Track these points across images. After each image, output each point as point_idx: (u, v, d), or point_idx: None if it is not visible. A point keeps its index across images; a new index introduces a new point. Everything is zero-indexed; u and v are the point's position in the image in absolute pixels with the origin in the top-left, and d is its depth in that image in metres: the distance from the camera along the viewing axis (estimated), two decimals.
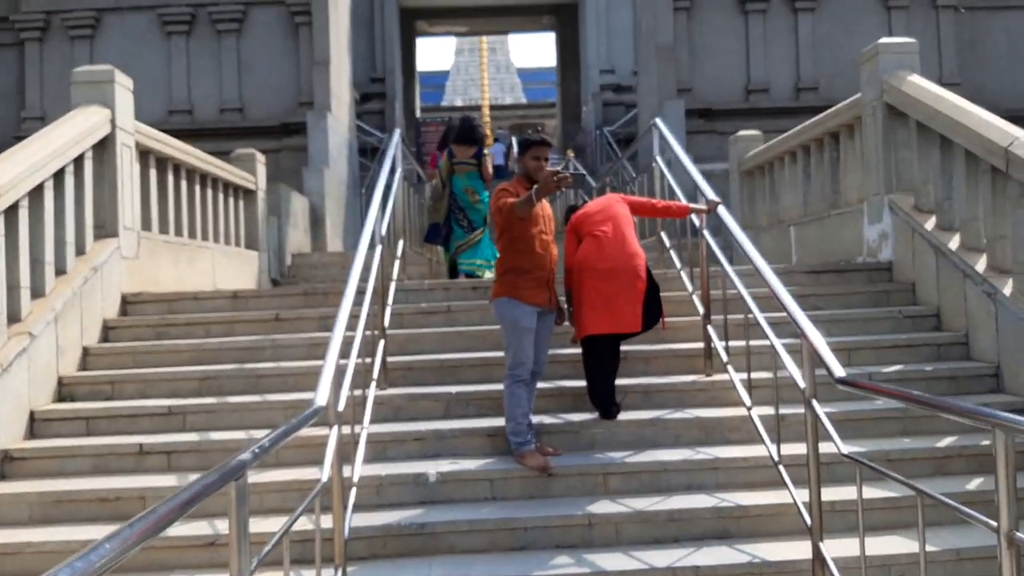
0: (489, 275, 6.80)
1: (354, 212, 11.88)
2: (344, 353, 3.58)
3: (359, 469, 3.82)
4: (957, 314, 5.08)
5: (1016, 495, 2.32)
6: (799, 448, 3.75)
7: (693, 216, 5.08)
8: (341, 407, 3.39)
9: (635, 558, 3.51)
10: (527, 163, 4.22)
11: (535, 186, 3.97)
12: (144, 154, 6.14)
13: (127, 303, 5.71)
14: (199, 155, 6.85)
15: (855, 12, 11.51)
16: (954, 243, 5.16)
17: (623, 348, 4.61)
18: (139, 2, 11.37)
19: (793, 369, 3.76)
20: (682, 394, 4.64)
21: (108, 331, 5.42)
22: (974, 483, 3.92)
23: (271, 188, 8.76)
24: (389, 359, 4.83)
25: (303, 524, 2.90)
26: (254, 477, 2.27)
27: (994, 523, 2.34)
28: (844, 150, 6.64)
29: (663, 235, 6.62)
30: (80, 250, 5.33)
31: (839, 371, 3.21)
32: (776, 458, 3.84)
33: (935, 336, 5.13)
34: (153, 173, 6.27)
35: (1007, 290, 4.60)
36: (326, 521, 3.14)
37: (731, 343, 4.62)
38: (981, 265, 4.88)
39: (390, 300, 5.21)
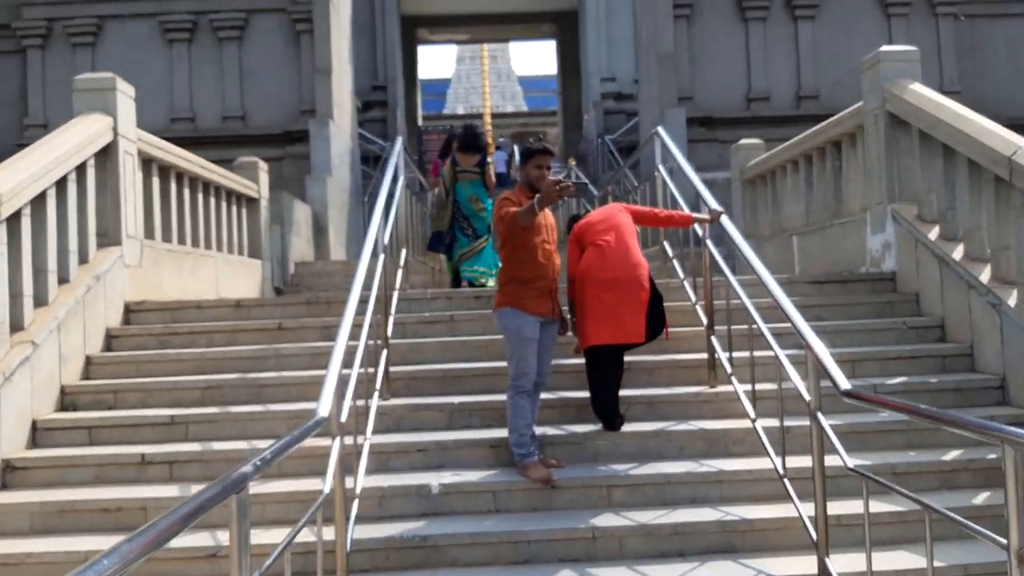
0: (492, 283, 6.80)
1: (357, 220, 11.87)
2: (347, 363, 3.57)
3: (361, 480, 3.80)
4: (962, 325, 5.06)
5: None
6: (804, 461, 3.73)
7: (696, 225, 5.08)
8: (344, 418, 3.38)
9: (639, 572, 3.48)
10: (529, 172, 4.21)
11: (537, 195, 3.96)
12: (147, 162, 6.14)
13: (130, 312, 5.70)
14: (201, 163, 6.85)
15: (855, 20, 11.52)
16: (958, 253, 5.14)
17: (627, 358, 4.59)
18: (141, 9, 11.38)
19: (798, 381, 3.75)
20: (686, 405, 4.62)
21: (111, 340, 5.41)
22: (981, 497, 3.90)
23: (274, 196, 8.76)
24: (392, 369, 4.82)
25: (305, 536, 2.88)
26: (256, 488, 2.25)
27: (1004, 540, 2.32)
28: (846, 159, 6.63)
29: (666, 244, 6.61)
30: (83, 258, 5.32)
31: (845, 384, 3.19)
32: (781, 471, 3.82)
33: (940, 347, 5.11)
34: (156, 181, 6.27)
35: (1012, 301, 4.59)
36: (328, 533, 3.12)
37: (735, 354, 4.60)
38: (985, 276, 4.86)
39: (393, 309, 5.19)
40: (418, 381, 4.91)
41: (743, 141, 8.62)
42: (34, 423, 4.50)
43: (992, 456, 4.04)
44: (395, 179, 6.01)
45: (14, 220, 4.53)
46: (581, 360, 4.52)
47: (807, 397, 3.50)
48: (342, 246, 11.12)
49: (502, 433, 4.19)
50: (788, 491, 3.71)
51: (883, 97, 5.85)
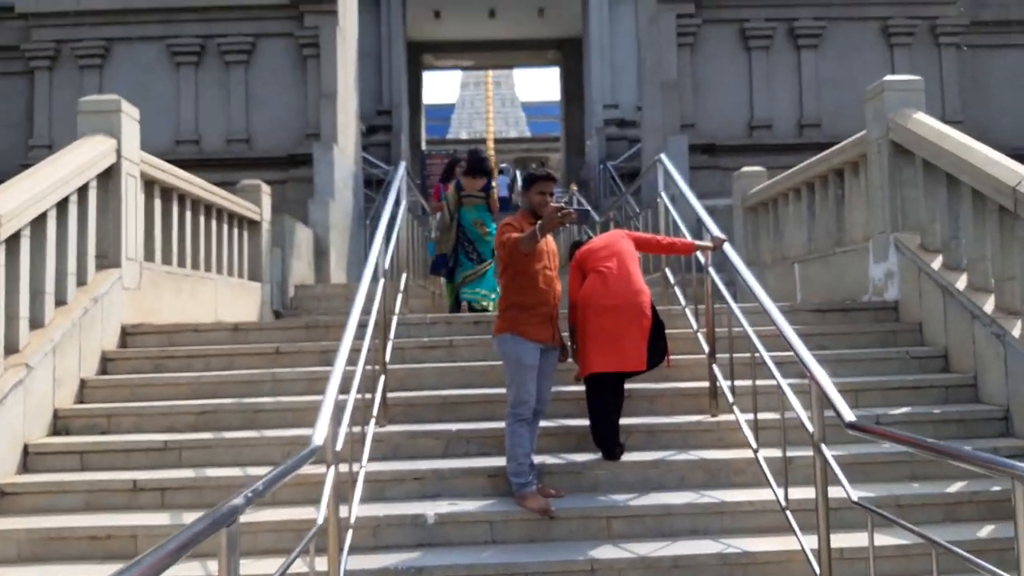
0: (492, 307, 6.77)
1: (358, 244, 11.88)
2: (344, 388, 3.52)
3: (356, 510, 3.73)
4: (965, 355, 5.01)
5: None
6: (806, 492, 3.68)
7: (698, 252, 5.04)
8: (339, 446, 3.32)
9: None
10: (532, 198, 4.19)
11: (539, 222, 3.94)
12: (149, 184, 6.14)
13: (127, 334, 5.66)
14: (204, 185, 6.85)
15: (858, 50, 11.59)
16: (961, 283, 5.10)
17: (627, 386, 4.54)
18: (149, 32, 11.48)
19: (801, 412, 3.69)
20: (687, 435, 4.56)
21: (107, 363, 5.36)
22: (986, 531, 3.83)
23: (276, 219, 8.76)
24: (389, 394, 4.76)
25: (298, 567, 2.81)
26: (248, 516, 2.20)
27: None
28: (849, 187, 6.62)
29: (667, 271, 6.58)
30: (81, 280, 5.29)
31: (849, 415, 3.14)
32: (783, 503, 3.75)
33: (943, 378, 5.06)
34: (158, 203, 6.27)
35: (1016, 332, 4.54)
36: (321, 564, 3.06)
37: (737, 382, 4.55)
38: (989, 306, 4.82)
39: (392, 334, 5.15)
40: (415, 407, 4.86)
41: (745, 169, 8.63)
42: (26, 447, 4.45)
43: (996, 488, 3.98)
44: (397, 203, 6.00)
45: (13, 241, 4.52)
46: (581, 388, 4.46)
47: (810, 428, 3.44)
48: (343, 269, 11.11)
49: (500, 462, 4.13)
50: (791, 523, 3.65)
51: (887, 126, 5.84)
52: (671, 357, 4.59)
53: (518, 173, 21.79)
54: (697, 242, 4.91)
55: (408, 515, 3.87)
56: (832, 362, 4.63)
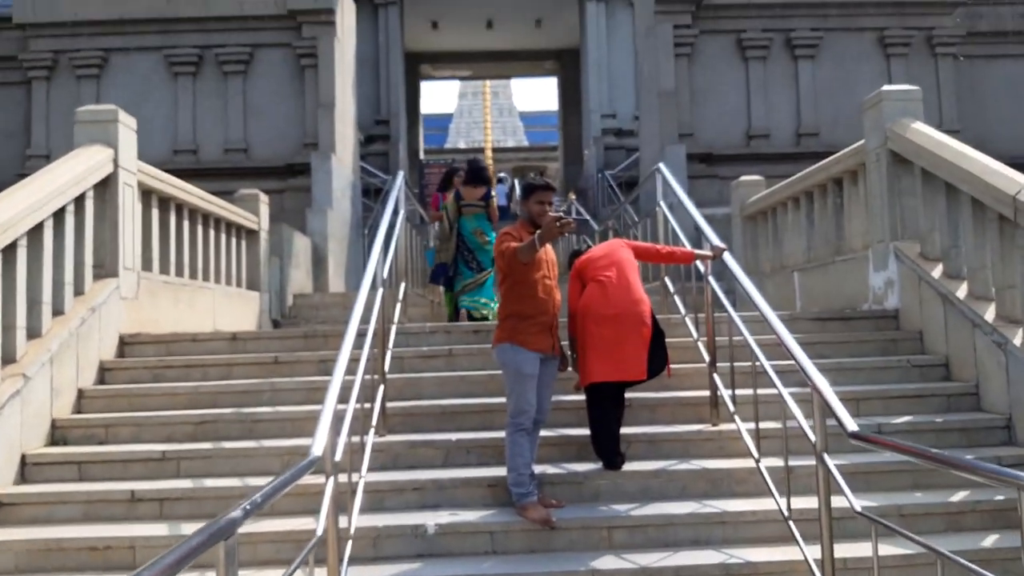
0: (492, 315, 6.76)
1: (356, 253, 11.86)
2: (343, 398, 3.50)
3: (355, 520, 3.70)
4: (966, 364, 5.00)
5: None
6: (808, 502, 3.66)
7: (698, 262, 5.04)
8: (338, 457, 3.30)
9: None
10: (531, 207, 4.18)
11: (538, 231, 3.92)
12: (146, 193, 6.12)
13: (125, 344, 5.64)
14: (202, 195, 6.84)
15: (854, 60, 11.63)
16: (962, 292, 5.10)
17: (628, 395, 4.52)
18: (146, 43, 11.49)
19: (803, 421, 3.68)
20: (688, 444, 4.54)
21: (104, 373, 5.34)
22: (990, 540, 3.81)
23: (274, 228, 8.75)
24: (388, 404, 4.74)
25: None
26: (246, 527, 2.17)
27: None
28: (848, 196, 6.62)
29: (667, 280, 6.57)
30: (79, 290, 5.27)
31: (852, 425, 3.12)
32: (786, 513, 3.73)
33: (944, 386, 5.04)
34: (155, 213, 6.25)
35: (1018, 340, 4.53)
36: (320, 574, 3.03)
37: (737, 391, 4.53)
38: (990, 314, 4.81)
39: (391, 343, 5.13)
40: (415, 417, 4.83)
41: (744, 178, 8.64)
42: (23, 457, 4.42)
43: (1000, 498, 3.97)
44: (395, 212, 5.99)
45: (9, 251, 4.51)
46: (581, 397, 4.45)
47: (812, 438, 3.43)
48: (341, 278, 11.09)
49: (500, 472, 4.10)
50: (793, 533, 3.63)
51: (885, 136, 5.85)
52: (671, 366, 4.57)
53: (516, 182, 21.83)
54: (697, 251, 4.91)
55: (408, 525, 3.85)
56: (832, 371, 4.60)
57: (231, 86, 11.50)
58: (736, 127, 11.60)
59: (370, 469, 4.14)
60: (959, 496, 4.07)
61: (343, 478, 3.48)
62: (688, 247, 5.37)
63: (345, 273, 11.31)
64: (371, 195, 13.59)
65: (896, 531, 2.87)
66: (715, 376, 4.71)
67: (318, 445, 3.02)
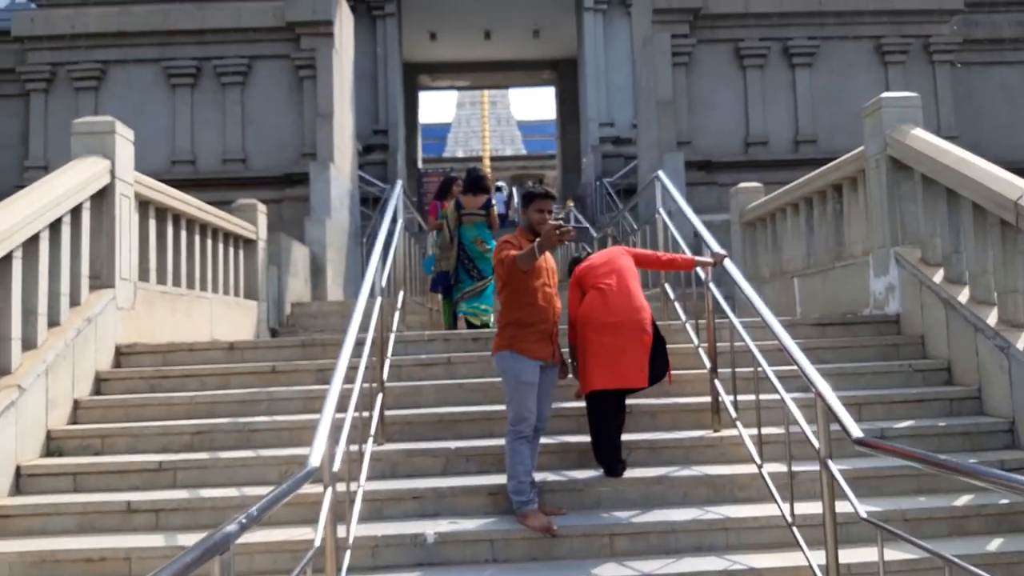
0: (493, 322, 6.74)
1: (355, 261, 11.85)
2: (341, 406, 3.47)
3: (354, 529, 3.66)
4: (969, 368, 4.97)
5: None
6: (811, 507, 3.63)
7: (698, 268, 5.01)
8: (336, 467, 3.26)
9: None
10: (531, 215, 4.16)
11: (538, 239, 3.90)
12: (144, 204, 6.11)
13: (121, 354, 5.60)
14: (199, 205, 6.82)
15: (852, 67, 11.65)
16: (963, 296, 5.07)
17: (628, 402, 4.49)
18: (145, 55, 11.51)
19: (806, 427, 3.64)
20: (689, 450, 4.50)
21: (100, 383, 5.30)
22: (994, 544, 3.78)
23: (272, 238, 8.73)
24: (387, 413, 4.70)
25: None
26: (243, 537, 2.14)
27: None
28: (847, 203, 6.61)
29: (666, 286, 6.55)
30: (75, 301, 5.24)
31: (856, 431, 3.09)
32: (789, 518, 3.69)
33: (947, 390, 5.01)
34: (152, 223, 6.23)
35: (1021, 344, 4.51)
36: None
37: (739, 397, 4.50)
38: (992, 319, 4.79)
39: (389, 352, 5.10)
40: (414, 425, 4.79)
41: (742, 185, 8.63)
42: (18, 469, 4.38)
43: (1004, 502, 3.93)
44: (394, 220, 5.98)
45: (5, 262, 4.49)
46: (582, 404, 4.41)
47: (816, 444, 3.39)
48: (340, 287, 11.07)
49: (500, 480, 4.06)
50: (797, 539, 3.59)
51: (885, 142, 5.84)
52: (672, 372, 4.54)
53: (514, 190, 21.84)
54: (697, 258, 4.88)
55: (407, 534, 3.80)
56: (834, 376, 4.58)
57: (229, 97, 11.51)
58: (734, 135, 11.61)
59: (369, 478, 4.10)
60: (963, 500, 4.03)
61: (341, 487, 3.44)
62: (688, 254, 5.35)
63: (343, 282, 11.29)
64: (369, 204, 13.59)
65: (903, 537, 2.83)
66: (716, 382, 4.68)
67: (316, 455, 2.99)
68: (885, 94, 6.14)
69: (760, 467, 4.08)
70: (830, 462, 3.26)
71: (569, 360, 4.43)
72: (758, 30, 11.63)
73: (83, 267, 5.35)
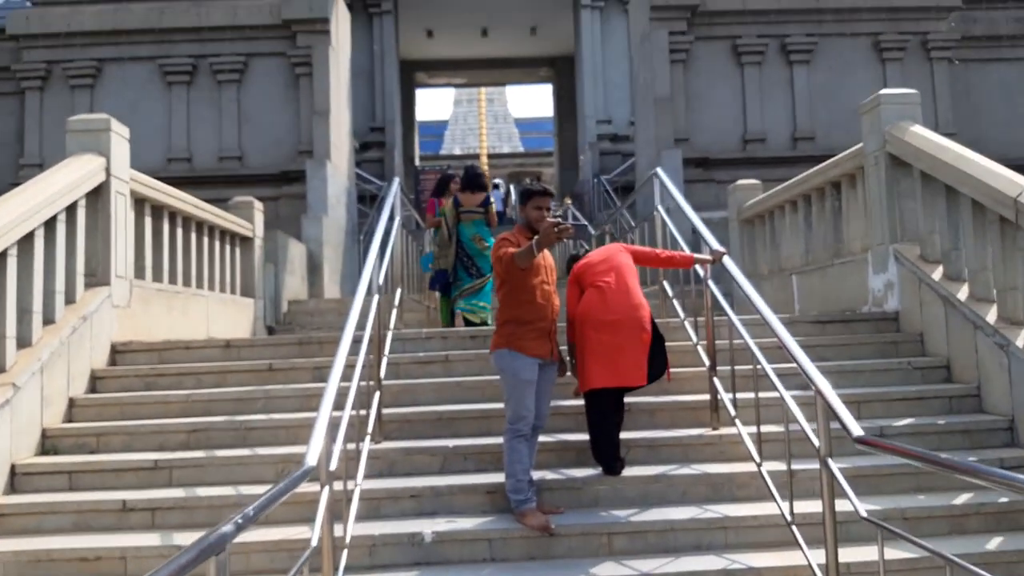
0: (490, 318, 6.72)
1: (352, 259, 11.82)
2: (338, 404, 3.44)
3: (351, 528, 3.64)
4: (968, 366, 4.96)
5: None
6: (810, 506, 3.62)
7: (697, 266, 4.99)
8: (334, 466, 3.24)
9: None
10: (529, 213, 4.14)
11: (536, 237, 3.88)
12: (139, 202, 6.07)
13: (117, 352, 5.57)
14: (195, 203, 6.79)
15: (849, 64, 11.64)
16: (963, 293, 5.06)
17: (627, 399, 4.47)
18: (140, 52, 11.47)
19: (806, 425, 3.63)
20: (688, 448, 4.48)
21: (96, 381, 5.27)
22: (994, 543, 3.76)
23: (269, 235, 8.70)
24: (384, 411, 4.68)
25: None
26: (240, 536, 2.12)
27: None
28: (846, 200, 6.59)
29: (665, 284, 6.53)
30: (70, 299, 5.21)
31: (857, 430, 3.07)
32: (788, 517, 3.68)
33: (946, 388, 5.00)
34: (148, 221, 6.20)
35: (1020, 342, 4.49)
36: None
37: (738, 395, 4.48)
38: (991, 316, 4.77)
39: (387, 349, 5.07)
40: (411, 424, 4.77)
41: (741, 182, 8.61)
42: (13, 467, 4.35)
43: (1003, 500, 3.92)
44: (391, 218, 5.95)
45: (0, 260, 4.44)
46: (580, 402, 4.39)
47: (816, 442, 3.37)
48: (337, 284, 11.04)
49: (498, 478, 4.04)
50: (796, 538, 3.57)
51: (884, 139, 5.82)
52: (671, 370, 4.52)
53: (512, 188, 21.80)
54: (696, 255, 4.86)
55: (405, 533, 3.78)
56: (833, 373, 4.54)
57: (225, 95, 11.47)
58: (732, 132, 11.59)
59: (366, 476, 4.08)
60: (962, 499, 4.02)
61: (338, 486, 3.42)
62: (687, 251, 5.33)
63: (340, 279, 11.26)
64: (367, 201, 13.56)
65: (904, 537, 2.81)
66: (715, 380, 4.66)
67: (312, 454, 2.97)
68: (884, 91, 6.12)
69: (759, 465, 4.06)
70: (830, 461, 3.24)
71: (568, 358, 4.41)
72: (756, 27, 11.62)
73: (78, 265, 5.32)
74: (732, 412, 4.46)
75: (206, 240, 7.09)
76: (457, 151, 39.26)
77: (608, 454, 4.22)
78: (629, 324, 4.22)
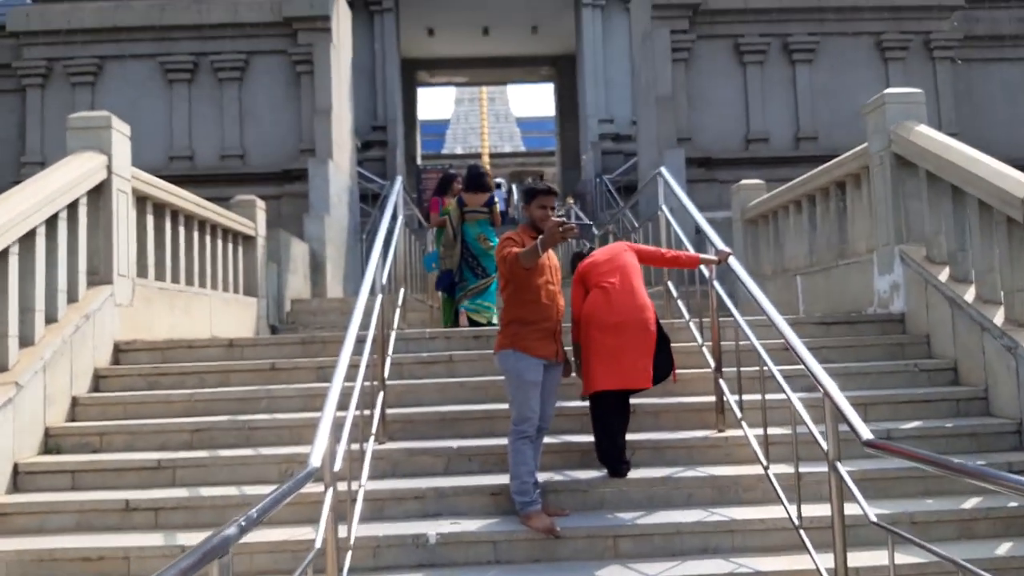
0: (495, 319, 6.70)
1: (355, 258, 11.80)
2: (342, 404, 3.42)
3: (355, 529, 3.62)
4: (975, 368, 4.93)
5: None
6: (817, 509, 3.59)
7: (702, 266, 4.96)
8: (338, 467, 3.22)
9: None
10: (533, 212, 4.11)
11: (540, 236, 3.85)
12: (141, 200, 6.05)
13: (119, 351, 5.55)
14: (197, 201, 6.76)
15: (852, 63, 11.62)
16: (970, 295, 5.03)
17: (632, 401, 4.44)
18: (141, 50, 11.44)
19: (813, 427, 3.60)
20: (693, 450, 4.46)
21: (99, 380, 5.25)
22: (1003, 548, 3.73)
23: (271, 234, 8.67)
24: (388, 411, 4.65)
25: None
26: (243, 537, 2.09)
27: None
28: (851, 200, 6.57)
29: (669, 284, 6.50)
30: (72, 297, 5.19)
31: (866, 433, 3.05)
32: (796, 521, 3.65)
33: (953, 391, 4.97)
34: (150, 219, 6.17)
35: None
36: None
37: (744, 397, 4.46)
38: (999, 318, 4.74)
39: (390, 349, 5.05)
40: (415, 424, 4.75)
41: (744, 181, 8.59)
42: (16, 466, 4.33)
43: (1012, 504, 3.89)
44: (394, 217, 5.92)
45: (1, 258, 4.44)
46: (585, 403, 4.36)
47: (824, 446, 3.35)
48: (339, 283, 11.02)
49: (503, 479, 4.02)
50: (804, 541, 3.54)
51: (889, 139, 5.80)
52: (676, 371, 4.49)
53: (514, 187, 21.77)
54: (702, 255, 4.83)
55: (409, 535, 3.76)
56: (839, 375, 4.51)
57: (227, 93, 11.45)
58: (734, 131, 11.57)
59: (370, 477, 4.06)
60: (971, 503, 3.99)
61: (342, 487, 3.39)
62: (692, 251, 5.30)
63: (343, 278, 11.24)
64: (369, 200, 13.53)
65: (913, 542, 2.79)
66: (720, 381, 4.64)
67: (316, 454, 2.94)
68: (888, 90, 6.09)
69: (766, 468, 4.03)
70: (839, 464, 3.21)
71: (572, 359, 4.39)
72: (758, 26, 11.59)
73: (81, 263, 5.30)
74: (738, 414, 4.43)
75: (208, 239, 7.06)
76: (459, 150, 39.23)
77: (613, 456, 4.20)
78: (634, 326, 4.19)
